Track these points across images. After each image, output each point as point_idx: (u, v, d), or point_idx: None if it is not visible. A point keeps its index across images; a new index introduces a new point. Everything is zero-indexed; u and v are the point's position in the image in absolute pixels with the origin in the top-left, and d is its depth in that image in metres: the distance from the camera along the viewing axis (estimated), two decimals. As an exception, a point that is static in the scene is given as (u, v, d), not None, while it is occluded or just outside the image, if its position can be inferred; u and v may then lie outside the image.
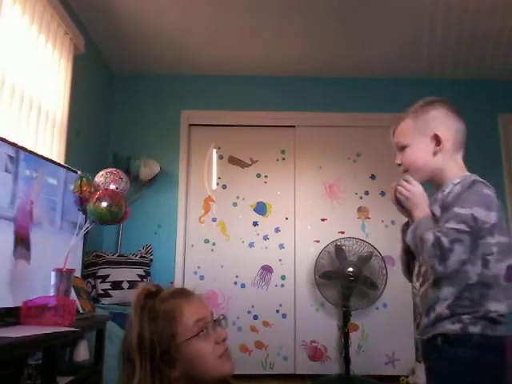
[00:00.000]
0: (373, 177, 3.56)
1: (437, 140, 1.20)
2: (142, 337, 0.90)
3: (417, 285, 1.23)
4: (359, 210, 3.52)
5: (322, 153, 3.60)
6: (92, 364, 1.98)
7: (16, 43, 2.10)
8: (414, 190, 1.18)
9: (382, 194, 3.52)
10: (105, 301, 2.74)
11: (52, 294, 1.79)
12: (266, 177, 3.58)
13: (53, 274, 1.81)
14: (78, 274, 2.14)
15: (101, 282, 2.80)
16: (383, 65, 3.51)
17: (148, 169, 3.32)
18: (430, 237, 1.07)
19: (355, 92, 3.66)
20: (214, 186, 3.59)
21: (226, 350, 0.97)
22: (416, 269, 1.24)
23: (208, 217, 3.53)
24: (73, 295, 1.92)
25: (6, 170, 1.72)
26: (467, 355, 1.07)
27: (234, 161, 3.62)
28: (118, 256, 3.04)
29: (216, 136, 3.66)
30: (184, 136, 3.61)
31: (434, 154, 1.20)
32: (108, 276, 2.83)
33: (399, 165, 1.26)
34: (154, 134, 3.59)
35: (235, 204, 3.54)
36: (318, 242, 3.41)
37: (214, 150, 3.65)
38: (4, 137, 1.73)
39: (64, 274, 1.82)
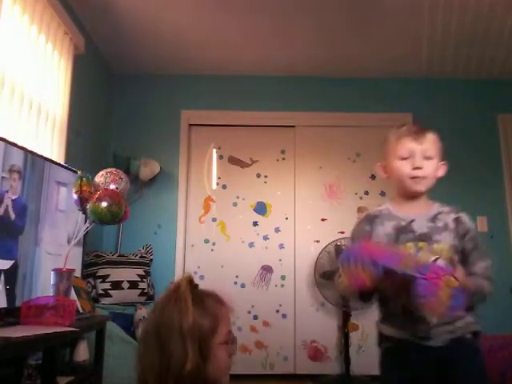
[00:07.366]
0: (373, 177, 3.56)
1: (442, 169, 1.36)
2: (194, 321, 0.91)
3: None
4: (359, 210, 3.51)
5: (322, 153, 3.60)
6: (92, 364, 1.98)
7: (16, 43, 2.09)
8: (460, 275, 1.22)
9: (382, 194, 3.52)
10: (105, 301, 2.74)
11: (52, 293, 1.79)
12: (265, 177, 3.58)
13: (53, 273, 1.81)
14: (78, 273, 2.15)
15: (101, 282, 2.80)
16: (383, 65, 3.51)
17: (148, 169, 3.32)
18: (484, 284, 1.29)
19: (355, 92, 3.65)
20: (214, 186, 3.59)
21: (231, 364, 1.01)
22: None
23: (208, 217, 3.53)
24: (73, 295, 1.92)
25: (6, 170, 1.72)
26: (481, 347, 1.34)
27: (233, 161, 3.62)
28: (118, 256, 3.04)
29: (216, 136, 3.66)
30: (184, 136, 3.61)
31: (436, 177, 1.36)
32: (108, 276, 2.83)
33: (418, 168, 1.32)
34: (154, 134, 3.59)
35: (235, 204, 3.54)
36: (317, 242, 3.41)
37: (214, 150, 3.65)
38: (3, 136, 1.73)
39: (64, 274, 1.82)
